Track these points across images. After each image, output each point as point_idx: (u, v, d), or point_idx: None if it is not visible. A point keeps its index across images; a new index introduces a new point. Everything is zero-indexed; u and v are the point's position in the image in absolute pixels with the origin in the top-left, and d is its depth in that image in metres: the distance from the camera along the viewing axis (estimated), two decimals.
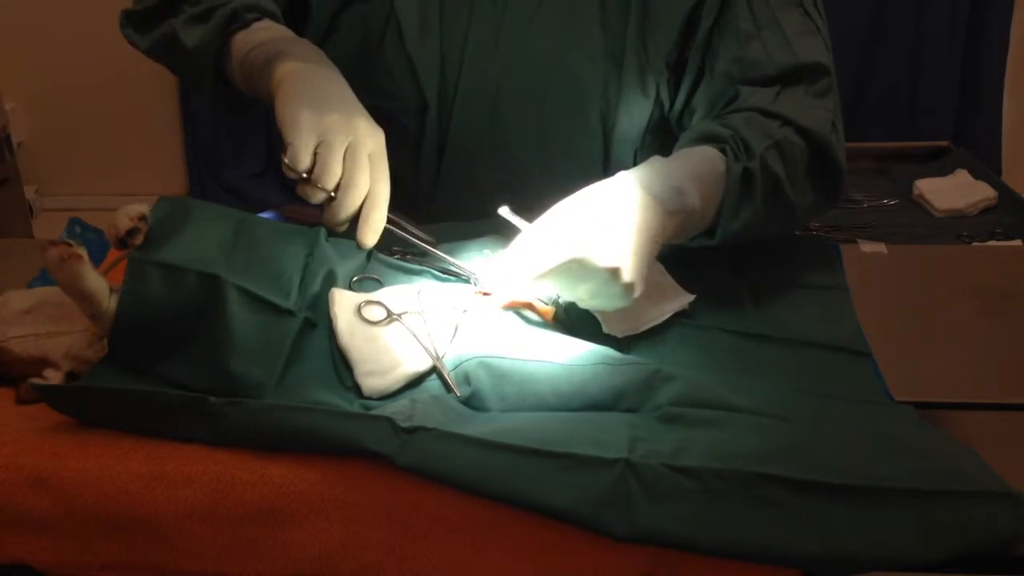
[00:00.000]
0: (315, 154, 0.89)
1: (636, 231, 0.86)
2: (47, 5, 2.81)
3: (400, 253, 1.01)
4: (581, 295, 0.89)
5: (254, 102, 1.06)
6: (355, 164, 0.90)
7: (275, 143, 0.88)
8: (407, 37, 1.11)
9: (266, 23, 1.05)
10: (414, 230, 0.98)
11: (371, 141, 0.92)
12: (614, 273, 0.84)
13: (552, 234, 0.87)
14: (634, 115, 1.14)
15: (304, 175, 0.89)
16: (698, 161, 0.97)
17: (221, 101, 1.11)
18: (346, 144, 0.90)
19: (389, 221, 0.94)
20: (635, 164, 1.14)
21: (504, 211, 0.94)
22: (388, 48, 1.13)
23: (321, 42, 1.12)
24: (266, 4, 1.07)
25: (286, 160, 0.89)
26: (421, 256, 1.01)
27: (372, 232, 0.92)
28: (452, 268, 0.98)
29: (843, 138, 1.06)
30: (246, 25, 1.04)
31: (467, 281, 0.97)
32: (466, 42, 1.12)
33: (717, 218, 0.97)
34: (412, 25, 1.11)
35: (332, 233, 0.96)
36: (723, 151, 0.98)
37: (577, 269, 0.84)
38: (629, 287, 0.85)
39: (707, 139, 1.00)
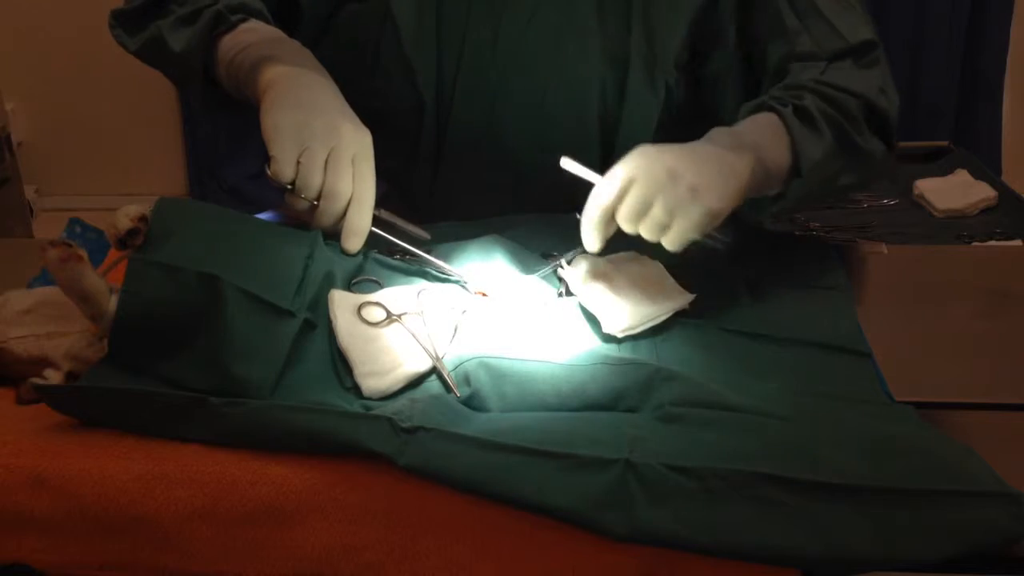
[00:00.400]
0: (298, 163, 0.89)
1: (721, 162, 0.91)
2: (47, 5, 2.80)
3: (400, 254, 1.01)
4: (656, 213, 0.88)
5: (243, 103, 1.06)
6: (336, 171, 0.91)
7: None
8: (404, 38, 1.11)
9: (252, 24, 1.05)
10: (410, 228, 0.98)
11: (355, 145, 0.92)
12: (696, 191, 0.87)
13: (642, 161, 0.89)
14: (640, 116, 1.14)
15: (288, 186, 0.89)
16: (749, 121, 1.00)
17: (211, 102, 1.11)
18: (328, 151, 0.91)
19: (378, 224, 0.94)
20: None
21: (567, 162, 0.95)
22: (385, 49, 1.12)
23: (315, 43, 1.12)
24: (252, 3, 1.07)
25: (270, 173, 0.89)
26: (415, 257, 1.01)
27: (355, 237, 0.93)
28: (442, 273, 0.97)
29: (895, 99, 1.10)
30: (232, 27, 1.04)
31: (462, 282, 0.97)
32: (464, 43, 1.12)
33: (795, 165, 0.99)
34: (409, 26, 1.11)
35: (331, 235, 0.96)
36: (769, 108, 1.01)
37: (665, 177, 0.87)
38: (712, 212, 0.88)
39: (749, 112, 1.02)
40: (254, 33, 1.03)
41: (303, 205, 0.91)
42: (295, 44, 1.02)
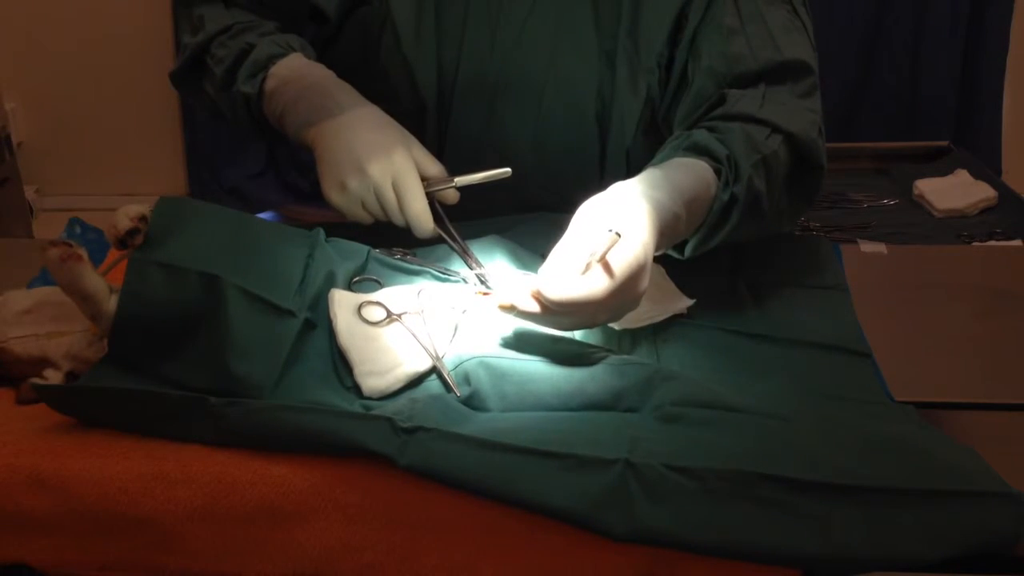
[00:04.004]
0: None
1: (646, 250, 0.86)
2: (47, 5, 2.80)
3: (401, 253, 1.01)
4: (565, 323, 0.88)
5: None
6: (388, 211, 1.00)
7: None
8: (403, 38, 1.11)
9: (276, 78, 1.07)
10: (489, 174, 1.05)
11: (386, 175, 0.99)
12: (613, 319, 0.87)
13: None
14: (625, 115, 1.14)
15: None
16: (696, 183, 0.92)
17: (269, 138, 1.15)
18: (373, 194, 0.99)
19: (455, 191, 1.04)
20: (627, 162, 1.14)
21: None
22: (385, 50, 1.13)
23: (326, 46, 1.13)
24: (269, 46, 1.08)
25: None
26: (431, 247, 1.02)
27: (423, 233, 1.00)
28: (446, 274, 0.98)
29: (824, 139, 1.05)
30: (263, 83, 1.07)
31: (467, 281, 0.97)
32: (462, 43, 1.12)
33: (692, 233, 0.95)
34: (408, 27, 1.11)
35: (332, 233, 0.96)
36: (718, 172, 0.94)
37: (592, 311, 0.82)
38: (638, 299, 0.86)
39: (704, 152, 0.96)
40: (279, 101, 1.06)
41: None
42: (309, 83, 1.05)
